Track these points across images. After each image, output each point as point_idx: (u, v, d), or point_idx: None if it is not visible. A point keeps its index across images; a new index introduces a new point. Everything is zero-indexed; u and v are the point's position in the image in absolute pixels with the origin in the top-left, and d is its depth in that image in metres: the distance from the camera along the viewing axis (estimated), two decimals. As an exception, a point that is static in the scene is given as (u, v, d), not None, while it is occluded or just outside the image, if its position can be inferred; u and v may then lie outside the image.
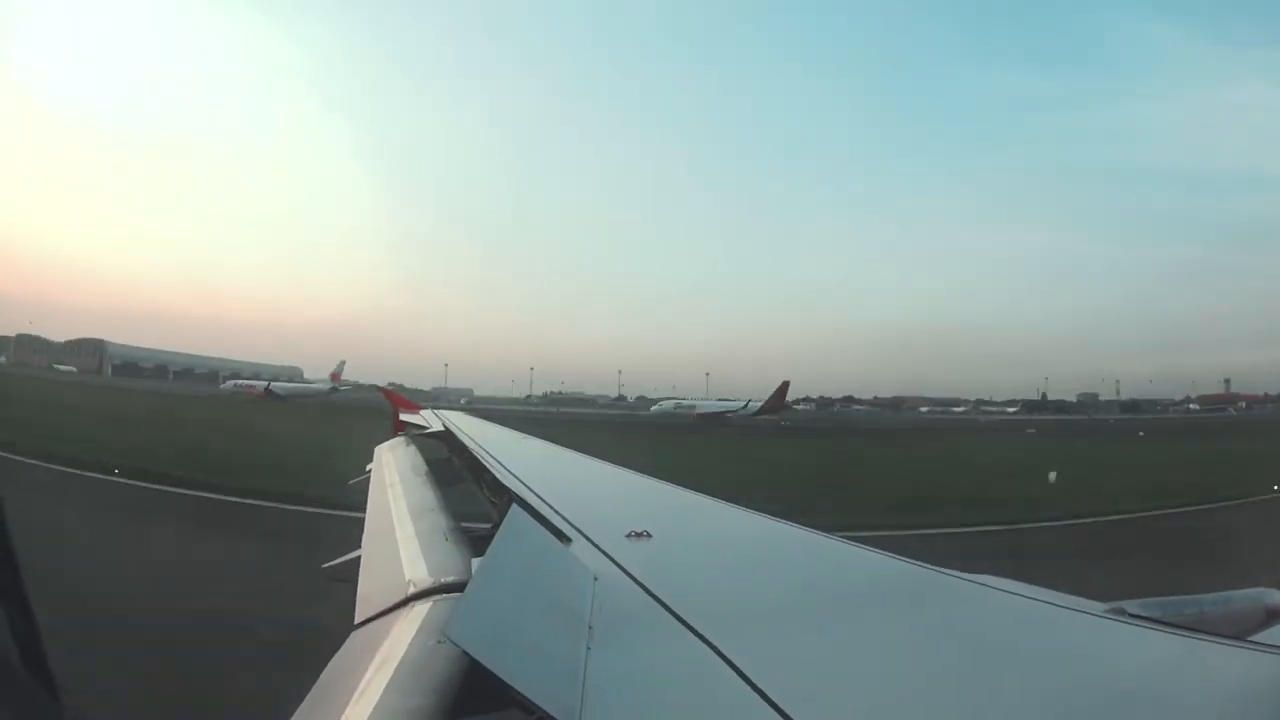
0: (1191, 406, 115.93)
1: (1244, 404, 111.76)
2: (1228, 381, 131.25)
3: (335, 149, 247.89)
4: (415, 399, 11.56)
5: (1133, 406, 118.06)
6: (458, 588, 1.56)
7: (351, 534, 2.62)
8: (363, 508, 3.08)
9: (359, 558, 2.24)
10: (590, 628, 1.37)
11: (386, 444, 5.52)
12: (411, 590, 1.58)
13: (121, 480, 14.42)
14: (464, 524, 2.43)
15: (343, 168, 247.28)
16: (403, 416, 7.32)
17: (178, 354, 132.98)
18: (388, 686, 1.09)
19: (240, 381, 73.22)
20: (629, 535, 2.16)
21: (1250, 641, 1.55)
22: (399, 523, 2.44)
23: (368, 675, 1.16)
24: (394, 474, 3.80)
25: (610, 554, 1.94)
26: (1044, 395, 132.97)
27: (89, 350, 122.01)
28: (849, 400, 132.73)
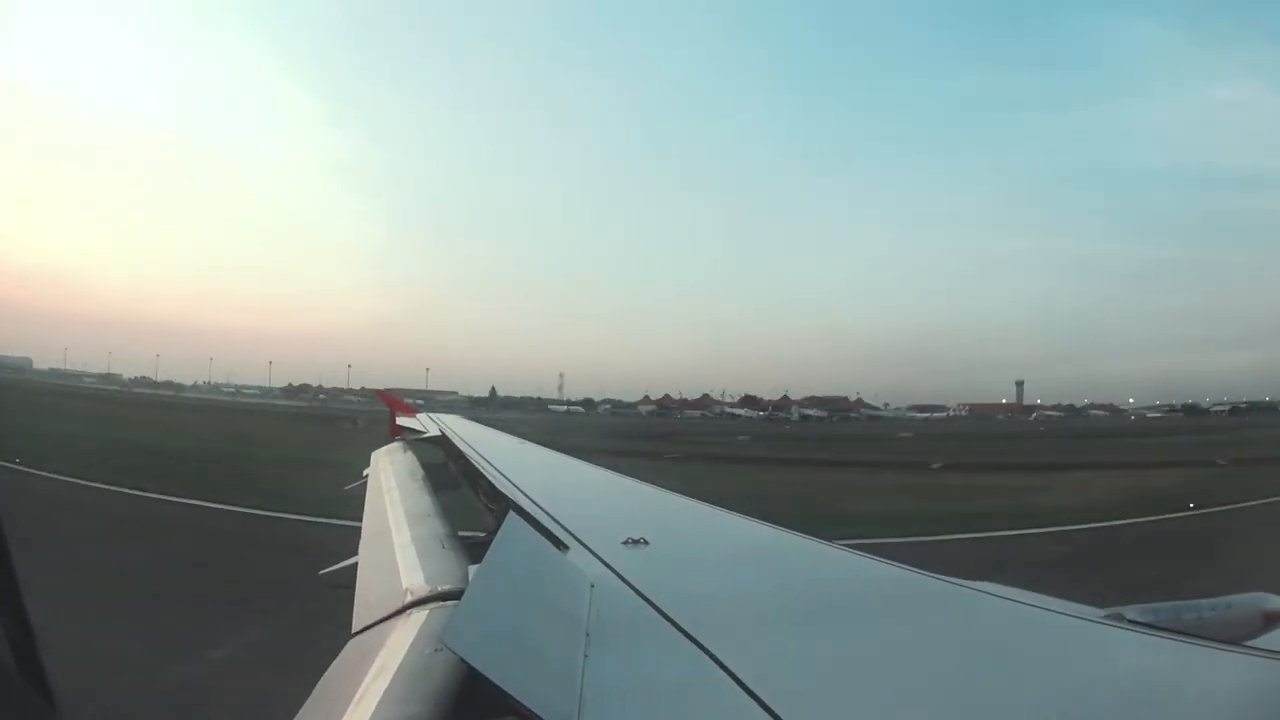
0: (738, 412, 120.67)
1: (797, 413, 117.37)
2: (1020, 384, 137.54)
3: (308, 153, 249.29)
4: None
5: (587, 404, 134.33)
6: (455, 595, 1.56)
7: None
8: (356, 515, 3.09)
9: (356, 564, 2.24)
10: (587, 635, 1.37)
11: (384, 449, 5.51)
12: (409, 598, 1.58)
13: None
14: (461, 531, 2.43)
15: (312, 172, 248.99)
16: (399, 421, 7.31)
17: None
18: (385, 694, 1.09)
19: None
20: (625, 542, 2.16)
21: (1248, 647, 1.55)
22: (396, 529, 2.43)
23: (365, 683, 1.16)
24: (391, 479, 3.80)
25: (607, 561, 1.94)
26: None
27: None
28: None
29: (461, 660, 1.00)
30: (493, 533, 1.83)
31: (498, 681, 0.96)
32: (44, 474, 14.87)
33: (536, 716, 0.96)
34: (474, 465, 3.91)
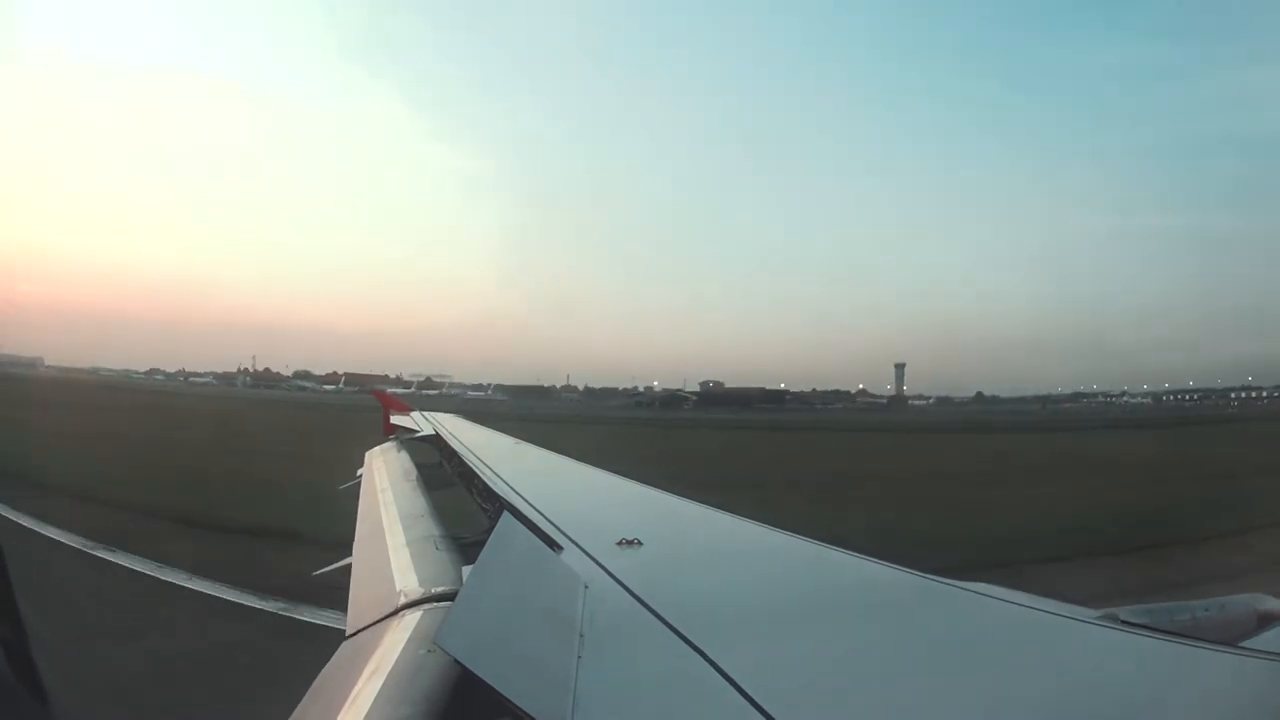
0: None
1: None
2: (899, 367, 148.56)
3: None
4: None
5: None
6: (449, 596, 1.56)
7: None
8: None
9: (350, 565, 2.24)
10: (581, 636, 1.37)
11: (378, 449, 5.50)
12: (402, 600, 1.58)
13: None
14: (455, 532, 2.43)
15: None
16: (393, 419, 7.29)
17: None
18: (378, 696, 1.09)
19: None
20: (620, 543, 2.16)
21: (1242, 647, 1.55)
22: (389, 530, 2.43)
23: (358, 685, 1.16)
24: (384, 480, 3.79)
25: (601, 562, 1.94)
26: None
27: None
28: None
29: (455, 661, 1.00)
30: (487, 533, 1.84)
31: (492, 682, 0.96)
32: None
33: (530, 718, 0.96)
34: (468, 465, 3.90)
